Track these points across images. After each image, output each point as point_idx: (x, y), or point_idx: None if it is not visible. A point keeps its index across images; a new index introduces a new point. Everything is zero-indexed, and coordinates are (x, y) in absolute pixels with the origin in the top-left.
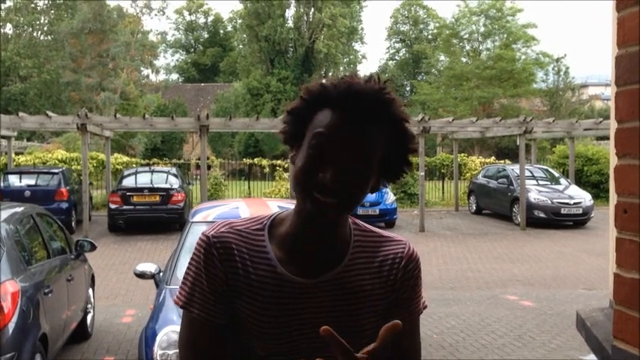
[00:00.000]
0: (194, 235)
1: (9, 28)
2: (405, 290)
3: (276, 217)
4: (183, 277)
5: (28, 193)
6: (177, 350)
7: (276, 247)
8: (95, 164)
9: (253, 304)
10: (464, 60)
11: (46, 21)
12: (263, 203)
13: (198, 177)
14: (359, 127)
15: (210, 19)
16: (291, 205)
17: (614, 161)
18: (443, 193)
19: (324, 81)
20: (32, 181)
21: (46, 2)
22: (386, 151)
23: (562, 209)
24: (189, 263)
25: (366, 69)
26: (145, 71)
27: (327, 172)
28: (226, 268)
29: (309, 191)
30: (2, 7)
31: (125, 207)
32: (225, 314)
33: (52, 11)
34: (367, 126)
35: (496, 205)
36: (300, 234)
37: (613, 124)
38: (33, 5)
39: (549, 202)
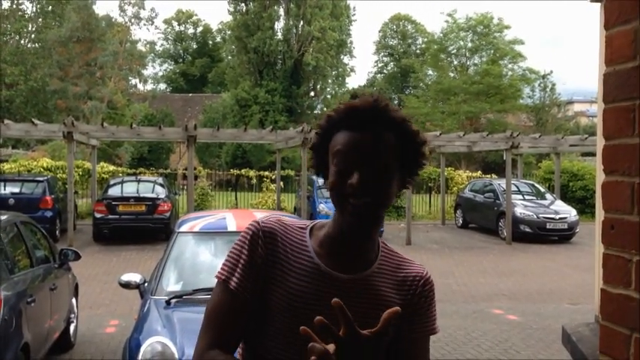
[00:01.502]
0: (180, 245)
1: None
2: (420, 308)
3: (317, 223)
4: (227, 256)
5: (12, 201)
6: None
7: (316, 245)
8: (81, 173)
9: (287, 290)
10: (451, 75)
11: (34, 28)
12: (250, 214)
13: (185, 187)
14: (367, 135)
15: (199, 29)
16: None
17: (600, 177)
18: (430, 206)
19: (328, 112)
20: (16, 189)
21: (34, 10)
22: (400, 149)
23: (547, 224)
24: (235, 243)
25: (354, 82)
26: (133, 80)
27: (354, 177)
28: (269, 251)
29: (345, 200)
30: None
31: (111, 216)
32: (259, 292)
33: (40, 19)
34: (374, 132)
35: (482, 219)
36: (338, 238)
37: (599, 141)
38: (20, 13)
39: (535, 216)
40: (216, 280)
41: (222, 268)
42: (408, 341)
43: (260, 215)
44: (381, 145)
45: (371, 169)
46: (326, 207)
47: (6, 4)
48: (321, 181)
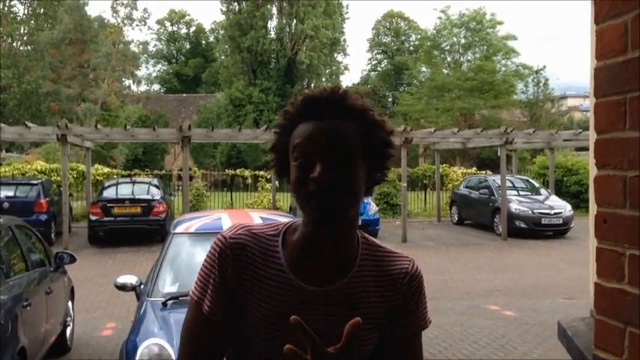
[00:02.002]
0: (176, 246)
1: None
2: (408, 305)
3: (291, 225)
4: (198, 274)
5: (6, 205)
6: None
7: (288, 254)
8: (75, 175)
9: (261, 306)
10: (445, 71)
11: (26, 31)
12: (245, 214)
13: (180, 188)
14: (326, 125)
15: (192, 29)
16: (273, 216)
17: (593, 172)
18: (425, 203)
19: (285, 108)
20: (11, 193)
21: (26, 12)
22: (363, 140)
23: (542, 219)
24: (205, 261)
25: (348, 80)
26: (127, 82)
27: (316, 170)
28: (239, 269)
29: (309, 198)
30: None
31: (106, 218)
32: (231, 313)
33: (32, 21)
34: (333, 122)
35: (478, 215)
36: (308, 243)
37: (592, 135)
38: (12, 15)
39: (530, 212)
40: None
41: (194, 287)
42: (399, 338)
43: (229, 224)
44: (340, 134)
45: (332, 159)
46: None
47: None
48: None
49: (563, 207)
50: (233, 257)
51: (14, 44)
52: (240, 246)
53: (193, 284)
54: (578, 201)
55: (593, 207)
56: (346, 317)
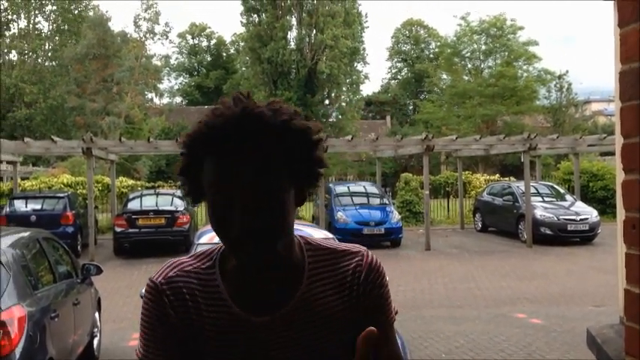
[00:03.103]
0: None
1: (14, 55)
2: (371, 302)
3: (224, 251)
4: (140, 329)
5: (34, 218)
6: None
7: (228, 285)
8: (100, 188)
9: (209, 347)
10: (466, 78)
11: (51, 47)
12: None
13: None
14: (241, 161)
15: (212, 42)
16: (297, 226)
17: (620, 177)
18: (448, 211)
19: (189, 132)
20: (38, 206)
21: (51, 29)
22: (289, 158)
23: (568, 226)
24: (142, 313)
25: (369, 89)
26: (149, 95)
27: (235, 223)
28: (180, 315)
29: (232, 244)
30: (7, 34)
31: (131, 230)
32: (181, 359)
33: (57, 37)
34: (249, 152)
35: (502, 222)
36: (244, 277)
37: (618, 140)
38: (37, 32)
39: (555, 218)
40: None
41: (139, 346)
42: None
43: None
44: (261, 171)
45: (255, 201)
46: (344, 215)
47: (23, 24)
48: (338, 188)
49: (590, 213)
50: (170, 303)
51: (39, 60)
52: (174, 290)
53: (138, 342)
54: (605, 207)
55: (621, 212)
56: (308, 336)
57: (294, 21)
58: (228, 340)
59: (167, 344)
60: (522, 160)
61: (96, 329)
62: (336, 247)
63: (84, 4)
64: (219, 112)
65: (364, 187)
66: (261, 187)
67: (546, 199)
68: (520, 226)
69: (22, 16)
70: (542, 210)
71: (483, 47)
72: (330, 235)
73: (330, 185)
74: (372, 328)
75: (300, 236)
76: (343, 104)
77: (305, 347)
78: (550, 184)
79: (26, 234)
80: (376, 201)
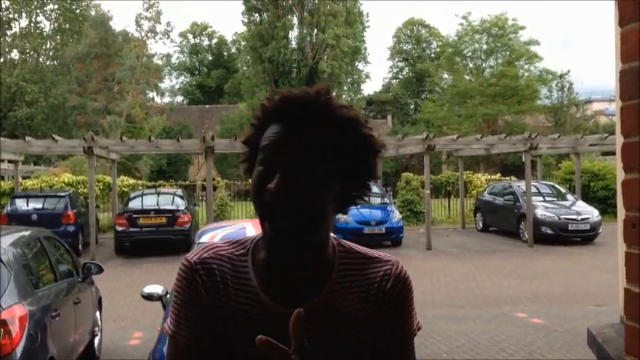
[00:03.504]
0: None
1: (15, 54)
2: (394, 312)
3: (260, 240)
4: (171, 306)
5: (35, 217)
6: None
7: (258, 274)
8: (101, 187)
9: (237, 332)
10: (467, 78)
11: (52, 46)
12: None
13: (204, 198)
14: (299, 130)
15: (214, 41)
16: None
17: (621, 176)
18: (449, 210)
19: (263, 102)
20: (39, 205)
21: (52, 28)
22: (343, 156)
23: (569, 225)
24: (174, 290)
25: (370, 89)
26: (151, 94)
27: (273, 181)
28: (211, 295)
29: (263, 213)
30: (8, 33)
31: (132, 229)
32: (210, 339)
33: (58, 36)
34: (309, 131)
35: (503, 222)
36: (272, 260)
37: (619, 139)
38: (39, 31)
39: (556, 218)
40: None
41: (168, 321)
42: (389, 346)
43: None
44: (313, 143)
45: (294, 173)
46: (345, 214)
47: (24, 23)
48: None
49: (591, 212)
50: (202, 282)
51: (40, 59)
52: (207, 270)
53: (168, 318)
54: (606, 206)
55: (621, 211)
56: (328, 333)
57: (295, 20)
58: (256, 327)
59: (197, 324)
60: (523, 159)
61: (97, 328)
62: (368, 253)
63: (85, 3)
64: (296, 91)
65: None
66: (308, 161)
67: (547, 198)
68: (521, 226)
69: (24, 15)
70: (543, 209)
71: (485, 47)
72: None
73: None
74: (301, 310)
75: (335, 238)
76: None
77: (324, 344)
78: (551, 183)
79: (27, 233)
80: (377, 200)
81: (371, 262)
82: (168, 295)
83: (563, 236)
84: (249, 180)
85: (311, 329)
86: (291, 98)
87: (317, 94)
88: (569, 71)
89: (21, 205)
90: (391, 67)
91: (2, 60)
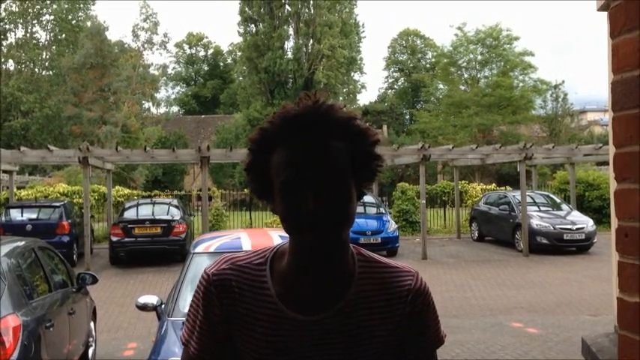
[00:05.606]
0: (196, 266)
1: (10, 64)
2: (415, 325)
3: (279, 249)
4: (187, 315)
5: (29, 227)
6: None
7: (277, 283)
8: (97, 197)
9: (254, 342)
10: (462, 88)
11: (48, 56)
12: (265, 233)
13: (200, 208)
14: (313, 148)
15: (210, 52)
16: None
17: (614, 186)
18: (444, 220)
19: (262, 125)
20: (34, 215)
21: (48, 38)
22: (352, 153)
23: (564, 235)
24: (192, 300)
25: (365, 99)
26: (146, 104)
27: (309, 202)
28: (225, 307)
29: (302, 231)
30: (4, 44)
31: (127, 239)
32: (221, 352)
33: (54, 47)
34: (320, 141)
35: (498, 231)
36: (299, 272)
37: (612, 149)
38: (34, 41)
39: (551, 228)
40: None
41: (184, 330)
42: (413, 358)
43: (211, 262)
44: (331, 157)
45: (326, 187)
46: None
47: (20, 33)
48: None
49: (586, 222)
50: (218, 295)
51: (36, 70)
52: (224, 283)
53: (184, 327)
54: (601, 216)
55: (614, 221)
56: (346, 343)
57: (291, 31)
58: (274, 336)
59: (206, 337)
60: (518, 169)
61: (91, 339)
62: (388, 263)
63: (81, 13)
64: (291, 107)
65: None
66: (331, 177)
67: (542, 208)
68: (516, 236)
69: (20, 25)
70: (538, 219)
71: (479, 57)
72: None
73: None
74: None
75: (354, 246)
76: None
77: (342, 353)
78: (546, 193)
79: (22, 243)
80: (373, 210)
81: (391, 273)
82: (162, 306)
83: (558, 246)
84: (246, 191)
85: (329, 338)
86: (292, 116)
87: (316, 105)
88: (563, 81)
89: (15, 215)
90: (387, 78)
91: None
